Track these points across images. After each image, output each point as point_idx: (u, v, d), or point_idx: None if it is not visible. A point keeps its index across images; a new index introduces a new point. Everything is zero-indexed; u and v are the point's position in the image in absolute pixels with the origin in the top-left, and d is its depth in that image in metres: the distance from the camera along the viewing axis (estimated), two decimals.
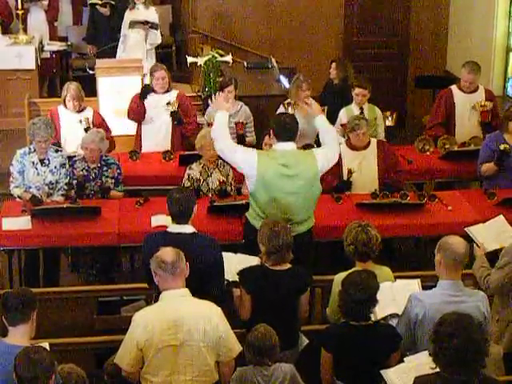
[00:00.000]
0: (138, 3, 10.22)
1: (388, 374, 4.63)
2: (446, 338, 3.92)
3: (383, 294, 5.10)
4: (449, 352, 3.90)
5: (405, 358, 4.76)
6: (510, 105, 7.91)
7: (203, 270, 5.16)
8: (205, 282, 5.16)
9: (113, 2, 10.80)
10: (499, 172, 7.45)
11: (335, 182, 7.29)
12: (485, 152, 7.54)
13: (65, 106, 8.08)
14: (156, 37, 10.29)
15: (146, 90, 8.29)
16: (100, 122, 8.07)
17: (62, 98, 8.12)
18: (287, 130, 6.03)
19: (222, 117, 6.17)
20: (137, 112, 8.31)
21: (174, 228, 5.33)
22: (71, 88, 8.05)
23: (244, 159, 6.05)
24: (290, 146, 6.05)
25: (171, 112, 8.21)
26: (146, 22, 10.16)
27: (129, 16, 10.26)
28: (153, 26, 10.19)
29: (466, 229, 6.50)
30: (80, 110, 8.06)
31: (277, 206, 5.98)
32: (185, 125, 8.33)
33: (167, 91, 8.33)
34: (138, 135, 8.46)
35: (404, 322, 4.96)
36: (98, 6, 10.87)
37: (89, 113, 8.10)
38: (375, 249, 5.42)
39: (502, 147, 7.36)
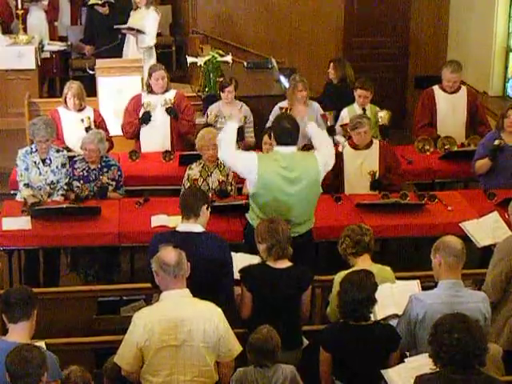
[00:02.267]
0: (140, 5, 10.26)
1: (388, 373, 4.64)
2: (446, 334, 3.95)
3: (383, 294, 5.10)
4: (449, 348, 3.92)
5: (405, 359, 4.76)
6: (509, 103, 7.92)
7: (212, 270, 5.19)
8: (214, 281, 5.19)
9: (112, 1, 10.81)
10: (494, 169, 7.46)
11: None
12: (480, 150, 7.57)
13: (65, 104, 8.07)
14: (144, 40, 10.27)
15: (147, 117, 8.20)
16: (100, 122, 8.07)
17: (63, 96, 8.09)
18: (288, 134, 6.01)
19: (233, 126, 6.20)
20: (134, 128, 8.22)
21: (183, 227, 5.34)
22: (73, 86, 8.04)
23: (245, 165, 6.04)
24: (291, 149, 6.03)
25: (166, 109, 8.20)
26: (130, 29, 10.23)
27: (132, 16, 10.34)
28: (138, 31, 10.19)
29: (460, 224, 6.55)
30: (80, 109, 8.06)
31: (277, 207, 5.96)
32: (181, 120, 8.30)
33: (166, 91, 8.32)
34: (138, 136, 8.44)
35: (404, 322, 4.96)
36: (96, 6, 10.88)
37: (89, 112, 8.09)
38: (369, 239, 5.45)
39: (496, 142, 7.38)
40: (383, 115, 8.14)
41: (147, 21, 10.24)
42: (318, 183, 6.09)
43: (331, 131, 7.93)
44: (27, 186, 7.23)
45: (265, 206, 6.00)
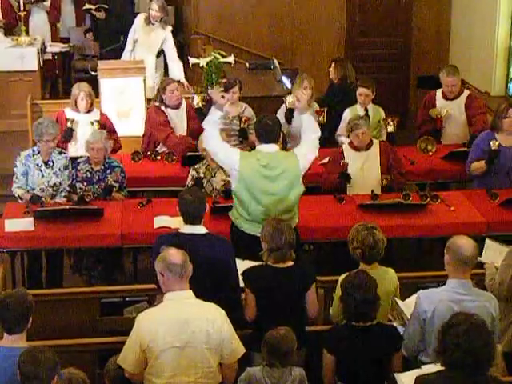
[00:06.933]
0: (155, 22, 9.66)
1: (401, 377, 4.62)
2: (451, 337, 3.92)
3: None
4: (454, 351, 3.89)
5: (422, 366, 4.71)
6: (501, 102, 7.81)
7: (216, 271, 5.18)
8: (218, 282, 5.19)
9: (106, 6, 10.81)
10: (489, 171, 7.40)
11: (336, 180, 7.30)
12: (475, 151, 7.52)
13: (75, 106, 8.05)
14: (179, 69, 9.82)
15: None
16: (109, 124, 8.08)
17: (74, 97, 8.05)
18: (269, 131, 6.06)
19: (215, 117, 6.24)
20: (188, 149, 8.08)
21: (187, 229, 5.35)
22: (84, 86, 8.06)
23: (226, 157, 6.13)
24: (272, 147, 6.07)
25: (196, 108, 8.26)
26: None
27: (146, 32, 9.73)
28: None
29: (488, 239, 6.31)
30: (88, 111, 8.07)
31: (258, 206, 6.00)
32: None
33: (180, 103, 8.31)
34: (148, 139, 8.40)
35: (414, 320, 4.95)
36: (92, 11, 10.89)
37: (96, 114, 8.10)
38: (382, 252, 5.41)
39: (493, 146, 7.27)
40: (391, 129, 8.09)
41: (168, 43, 9.76)
42: (299, 182, 6.12)
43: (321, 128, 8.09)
44: (20, 188, 7.24)
45: (246, 204, 6.04)
